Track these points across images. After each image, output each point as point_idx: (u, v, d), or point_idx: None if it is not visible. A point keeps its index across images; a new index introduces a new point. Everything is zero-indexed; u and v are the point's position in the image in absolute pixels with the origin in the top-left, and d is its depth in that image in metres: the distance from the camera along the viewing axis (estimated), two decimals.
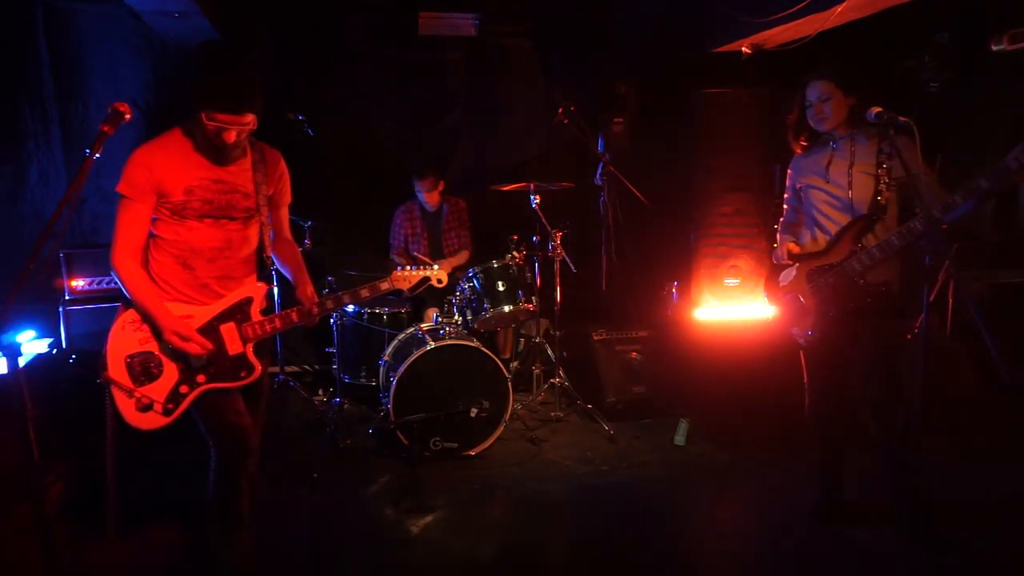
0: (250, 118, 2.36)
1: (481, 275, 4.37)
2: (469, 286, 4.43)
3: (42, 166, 4.90)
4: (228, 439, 2.51)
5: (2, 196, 4.86)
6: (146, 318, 2.45)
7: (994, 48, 3.79)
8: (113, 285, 4.30)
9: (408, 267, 2.83)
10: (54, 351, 4.16)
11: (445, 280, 2.91)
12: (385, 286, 2.78)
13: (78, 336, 4.29)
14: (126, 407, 2.41)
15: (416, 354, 3.88)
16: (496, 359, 4.04)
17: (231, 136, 2.36)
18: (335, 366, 4.57)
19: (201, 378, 2.47)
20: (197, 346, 2.43)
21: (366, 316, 4.65)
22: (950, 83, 4.49)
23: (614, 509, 3.44)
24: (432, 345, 3.92)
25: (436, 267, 2.88)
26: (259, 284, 2.64)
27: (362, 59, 5.41)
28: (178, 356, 2.46)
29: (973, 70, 4.53)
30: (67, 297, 4.31)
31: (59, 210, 2.10)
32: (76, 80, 4.90)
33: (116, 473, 3.06)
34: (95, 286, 4.37)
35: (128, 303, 2.46)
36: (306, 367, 5.56)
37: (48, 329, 4.29)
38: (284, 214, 2.78)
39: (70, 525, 3.19)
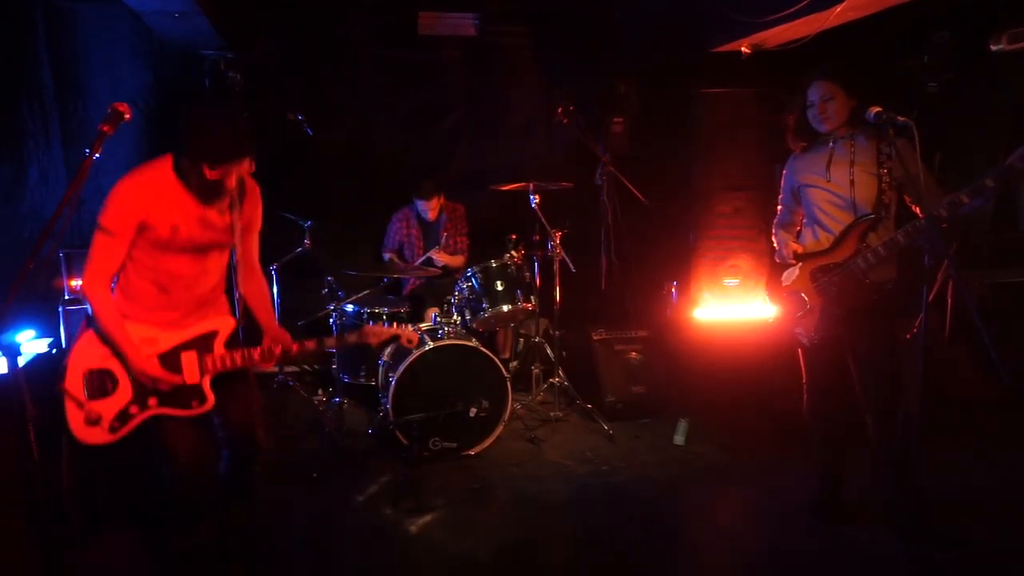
0: (247, 160, 2.43)
1: (480, 275, 4.36)
2: (467, 286, 4.42)
3: (42, 166, 4.90)
4: (175, 464, 2.54)
5: (1, 196, 4.85)
6: (112, 346, 2.46)
7: (993, 48, 3.79)
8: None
9: (382, 322, 2.89)
10: (54, 351, 4.15)
11: (415, 340, 2.96)
12: (353, 339, 2.84)
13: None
14: (75, 419, 2.43)
15: (415, 354, 3.88)
16: (495, 359, 4.04)
17: (232, 180, 2.42)
18: (334, 366, 4.57)
19: (152, 401, 2.50)
20: (164, 384, 2.48)
21: (365, 316, 4.64)
22: (950, 83, 4.49)
23: (614, 509, 3.44)
24: (431, 345, 3.92)
25: (410, 327, 2.97)
26: (228, 318, 2.67)
27: (362, 59, 5.41)
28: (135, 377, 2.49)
29: (973, 70, 4.53)
30: (67, 297, 4.32)
31: (59, 210, 2.10)
32: (76, 80, 4.90)
33: (76, 484, 3.07)
34: None
35: (91, 323, 2.48)
36: (305, 367, 5.55)
37: (48, 329, 4.29)
38: (253, 240, 2.75)
39: (72, 523, 3.19)
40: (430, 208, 5.00)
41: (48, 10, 4.79)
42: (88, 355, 2.46)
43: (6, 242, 4.77)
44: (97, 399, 2.44)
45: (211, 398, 2.56)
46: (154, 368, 2.46)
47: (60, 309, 4.29)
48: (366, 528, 3.26)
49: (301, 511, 3.42)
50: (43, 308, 4.31)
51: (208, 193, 2.44)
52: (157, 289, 2.49)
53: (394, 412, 3.84)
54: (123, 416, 2.46)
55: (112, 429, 2.45)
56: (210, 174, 2.36)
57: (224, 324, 2.63)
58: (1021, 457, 3.82)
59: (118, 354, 2.46)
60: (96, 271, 2.41)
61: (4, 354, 2.11)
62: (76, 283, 4.34)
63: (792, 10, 3.70)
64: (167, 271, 2.48)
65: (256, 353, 2.63)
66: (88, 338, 2.47)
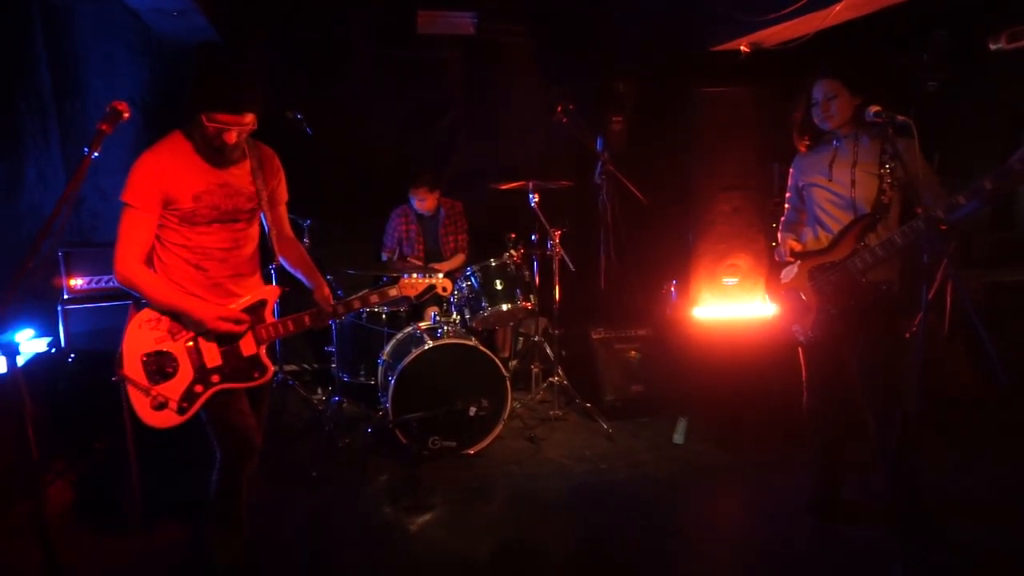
0: (250, 118, 2.37)
1: (479, 273, 4.37)
2: (467, 284, 4.43)
3: (40, 165, 4.89)
4: (234, 439, 2.54)
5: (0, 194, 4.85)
6: (177, 316, 2.45)
7: (992, 47, 3.79)
8: (112, 284, 4.29)
9: (415, 275, 2.89)
10: (53, 350, 4.16)
11: (450, 288, 2.99)
12: (394, 292, 2.87)
13: (77, 335, 4.28)
14: (141, 405, 2.42)
15: (414, 353, 3.88)
16: (495, 358, 4.04)
17: (231, 137, 2.37)
18: (334, 365, 4.57)
19: (215, 378, 2.50)
20: (242, 325, 2.49)
21: (364, 315, 4.64)
22: (948, 82, 4.49)
23: (612, 507, 3.45)
24: (430, 344, 3.92)
25: (441, 275, 2.97)
26: (272, 287, 2.69)
27: (361, 58, 5.40)
28: (194, 356, 2.48)
29: (971, 69, 4.53)
30: (66, 296, 4.31)
31: (57, 208, 2.10)
32: (74, 78, 4.89)
33: (138, 468, 3.09)
34: (94, 285, 4.36)
35: (139, 303, 2.46)
36: (305, 366, 5.56)
37: (47, 328, 4.29)
38: (283, 212, 2.79)
39: (73, 523, 3.20)
40: (418, 198, 4.97)
41: (46, 8, 4.78)
42: (142, 340, 2.44)
43: (4, 241, 4.76)
44: (160, 383, 2.43)
45: (271, 367, 2.60)
46: (225, 309, 2.46)
47: (59, 308, 4.28)
48: (366, 527, 3.26)
49: (301, 510, 3.42)
50: (42, 307, 4.30)
51: (215, 152, 2.42)
52: (193, 268, 2.49)
53: (393, 411, 3.84)
54: (189, 396, 2.46)
55: (181, 410, 2.44)
56: (209, 127, 2.32)
57: (270, 293, 2.65)
58: (1018, 456, 3.83)
59: (174, 331, 2.45)
60: (127, 250, 2.38)
61: (3, 353, 2.11)
62: (75, 282, 4.33)
63: (790, 9, 3.71)
64: (199, 246, 2.47)
65: (307, 317, 2.66)
66: (138, 322, 2.45)
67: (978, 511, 3.24)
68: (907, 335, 2.98)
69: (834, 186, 2.90)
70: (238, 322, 2.48)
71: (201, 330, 2.46)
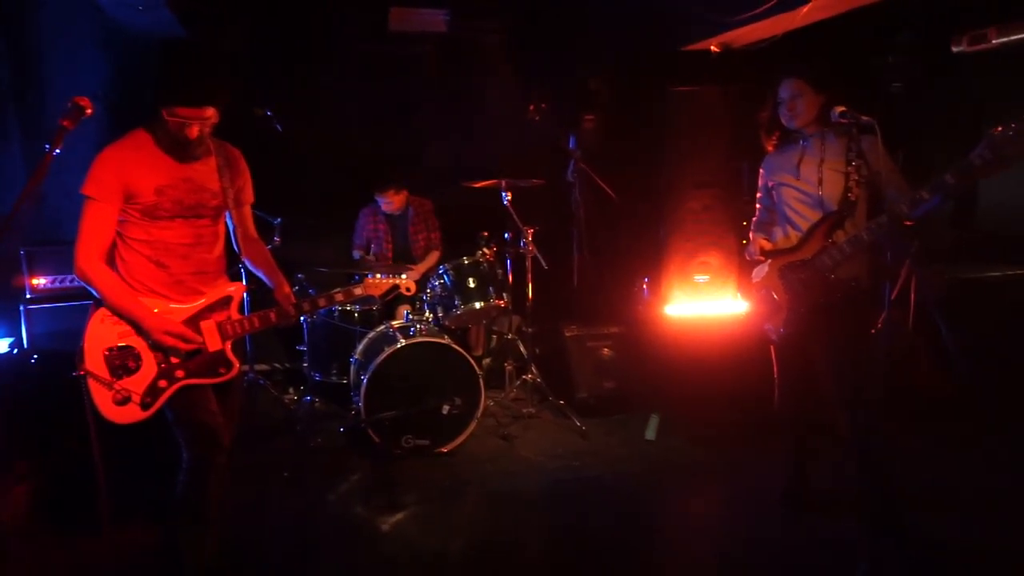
0: (210, 112, 2.34)
1: (452, 272, 4.35)
2: (440, 283, 4.41)
3: None
4: (201, 438, 2.50)
5: None
6: (126, 320, 2.42)
7: (954, 50, 3.87)
8: (76, 283, 4.21)
9: (379, 275, 2.89)
10: (15, 351, 4.06)
11: (414, 289, 3.02)
12: (359, 291, 2.86)
13: (40, 336, 4.19)
14: (103, 401, 2.37)
15: (387, 352, 3.86)
16: (467, 356, 4.03)
17: (193, 131, 2.35)
18: (305, 364, 4.53)
19: (180, 373, 2.46)
20: (189, 344, 2.44)
21: (337, 313, 4.61)
22: (914, 82, 4.58)
23: (586, 504, 3.46)
24: (403, 343, 3.90)
25: (404, 276, 2.97)
26: (238, 284, 2.65)
27: (332, 54, 5.35)
28: (158, 350, 2.44)
29: (936, 70, 4.62)
30: (28, 296, 4.21)
31: (17, 206, 2.06)
32: (35, 73, 4.77)
33: (103, 467, 3.03)
34: (57, 284, 4.27)
35: (99, 302, 2.42)
36: (276, 365, 5.50)
37: (9, 329, 4.19)
38: (247, 212, 2.77)
39: (38, 524, 3.14)
40: (385, 201, 4.95)
41: (5, 2, 4.66)
42: (104, 334, 2.40)
43: None
44: (123, 377, 2.39)
45: (236, 363, 2.55)
46: (174, 325, 2.41)
47: (21, 308, 4.18)
48: (338, 527, 3.24)
49: (272, 510, 3.39)
50: (3, 307, 4.21)
51: (178, 147, 2.39)
52: (154, 265, 2.45)
53: (366, 410, 3.82)
54: (153, 391, 2.41)
55: (144, 405, 2.40)
56: (169, 121, 2.30)
57: (236, 289, 2.62)
58: (981, 449, 3.91)
59: (136, 327, 2.41)
60: (88, 244, 2.35)
61: None
62: (37, 281, 4.24)
63: (760, 10, 3.75)
64: (161, 241, 2.43)
65: (272, 315, 2.63)
66: (101, 317, 2.41)
67: (943, 503, 3.31)
68: (873, 331, 3.03)
69: (802, 184, 2.94)
70: (186, 340, 2.43)
71: (149, 339, 2.43)
